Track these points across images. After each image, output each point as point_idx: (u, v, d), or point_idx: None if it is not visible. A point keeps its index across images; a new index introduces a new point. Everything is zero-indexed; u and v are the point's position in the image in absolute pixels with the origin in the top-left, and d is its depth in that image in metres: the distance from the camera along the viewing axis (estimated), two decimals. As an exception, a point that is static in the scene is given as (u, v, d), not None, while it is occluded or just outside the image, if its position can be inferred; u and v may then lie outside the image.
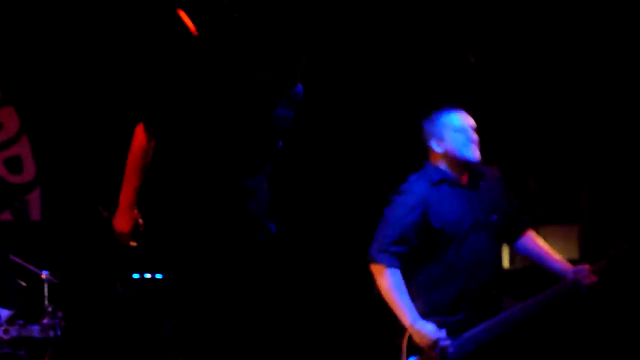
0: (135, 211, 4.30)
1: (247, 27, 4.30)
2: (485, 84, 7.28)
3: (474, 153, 4.90)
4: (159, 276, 6.73)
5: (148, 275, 6.73)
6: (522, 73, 7.49)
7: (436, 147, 4.94)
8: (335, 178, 7.36)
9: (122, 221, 4.30)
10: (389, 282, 4.77)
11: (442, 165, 4.93)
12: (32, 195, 7.24)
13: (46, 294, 5.96)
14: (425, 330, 4.74)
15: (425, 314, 4.80)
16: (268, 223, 4.30)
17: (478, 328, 4.82)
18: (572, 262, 5.08)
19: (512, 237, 5.15)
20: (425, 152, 5.04)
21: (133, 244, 4.33)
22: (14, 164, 7.30)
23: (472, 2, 7.23)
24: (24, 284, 5.97)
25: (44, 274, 6.00)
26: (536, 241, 5.13)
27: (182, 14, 4.64)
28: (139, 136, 4.26)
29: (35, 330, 5.92)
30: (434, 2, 7.27)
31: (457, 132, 4.91)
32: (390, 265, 4.77)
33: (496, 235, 4.99)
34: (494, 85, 7.45)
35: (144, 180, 4.28)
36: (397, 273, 4.78)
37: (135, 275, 6.78)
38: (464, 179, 4.97)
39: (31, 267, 6.02)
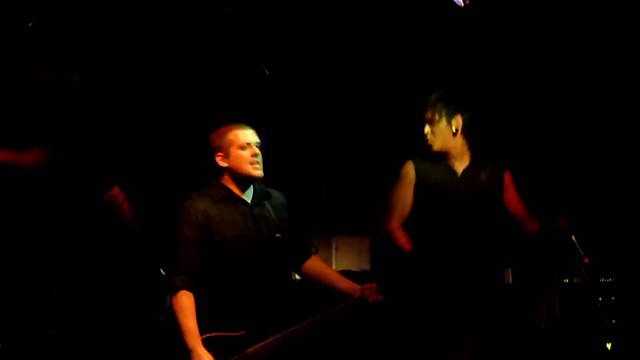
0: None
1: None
2: (276, 95, 7.30)
3: (256, 171, 5.00)
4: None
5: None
6: (309, 86, 7.56)
7: (221, 162, 4.98)
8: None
9: None
10: (179, 305, 4.76)
11: (227, 179, 4.98)
12: None
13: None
14: (202, 358, 4.73)
15: (209, 329, 4.79)
16: None
17: (263, 344, 4.83)
18: (364, 273, 5.19)
19: (298, 262, 5.27)
20: (212, 165, 5.05)
21: None
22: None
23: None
24: None
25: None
26: (322, 265, 5.28)
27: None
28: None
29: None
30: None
31: (242, 149, 4.99)
32: (182, 287, 4.77)
33: (280, 253, 5.06)
34: (286, 98, 7.49)
35: None
36: (189, 295, 4.78)
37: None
38: (247, 195, 5.04)
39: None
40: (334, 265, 8.72)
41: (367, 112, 7.66)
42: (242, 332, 4.83)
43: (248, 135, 5.02)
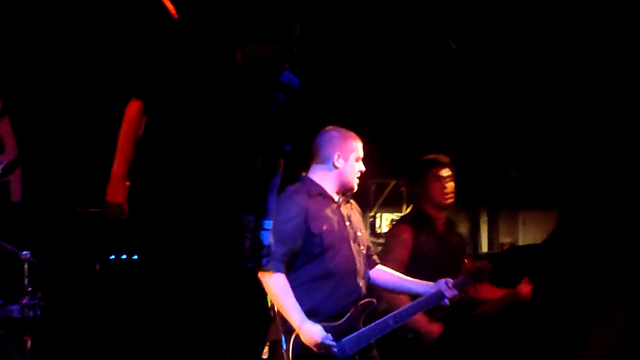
0: (127, 183, 4.35)
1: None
2: (465, 71, 7.33)
3: (356, 185, 5.21)
4: (135, 257, 6.79)
5: (125, 257, 6.77)
6: (501, 62, 7.54)
7: (337, 162, 5.14)
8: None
9: (115, 192, 4.34)
10: (278, 286, 4.93)
11: (325, 177, 5.17)
12: (13, 176, 7.24)
13: (26, 274, 5.99)
14: (312, 331, 4.88)
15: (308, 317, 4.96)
16: (241, 215, 4.41)
17: (357, 333, 5.01)
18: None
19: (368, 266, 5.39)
20: (313, 157, 5.22)
21: (124, 216, 4.37)
22: (-5, 145, 7.31)
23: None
24: None
25: (24, 255, 6.03)
26: (389, 271, 5.39)
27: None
28: (132, 109, 4.34)
29: (15, 310, 5.96)
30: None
31: (357, 162, 5.18)
32: (276, 270, 4.92)
33: (364, 250, 5.25)
34: (474, 73, 7.50)
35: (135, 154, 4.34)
36: (283, 277, 4.94)
37: (112, 257, 6.82)
38: (337, 197, 5.21)
39: (11, 248, 6.04)
40: (520, 239, 8.71)
41: (554, 84, 7.60)
42: (338, 322, 4.99)
43: (362, 151, 5.22)
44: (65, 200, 6.98)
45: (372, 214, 8.36)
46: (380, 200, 8.42)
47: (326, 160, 5.15)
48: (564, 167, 7.55)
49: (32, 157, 7.25)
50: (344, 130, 5.21)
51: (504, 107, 7.91)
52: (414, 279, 5.33)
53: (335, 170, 5.14)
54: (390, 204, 8.47)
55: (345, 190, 5.19)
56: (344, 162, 5.13)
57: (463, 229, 8.73)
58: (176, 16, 4.75)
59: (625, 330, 4.93)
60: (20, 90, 7.26)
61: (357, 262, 5.12)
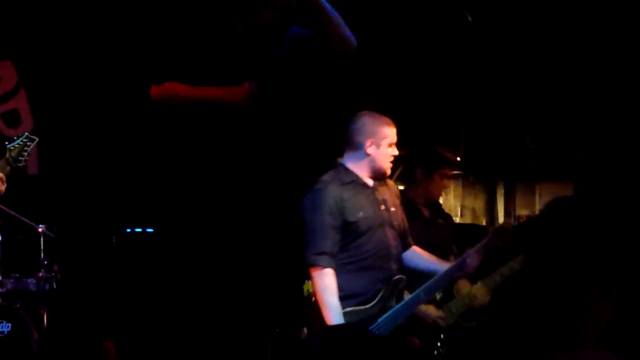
0: None
1: None
2: (482, 42, 7.29)
3: (389, 170, 5.23)
4: (150, 230, 6.81)
5: (139, 230, 6.80)
6: (519, 33, 7.50)
7: (369, 148, 5.13)
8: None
9: None
10: (324, 283, 4.96)
11: (358, 165, 5.16)
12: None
13: (42, 247, 6.02)
14: None
15: (344, 304, 5.00)
16: None
17: (392, 311, 5.08)
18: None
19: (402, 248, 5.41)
20: (347, 143, 5.20)
21: None
22: (12, 118, 7.34)
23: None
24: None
25: (41, 228, 6.06)
26: (420, 252, 5.43)
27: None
28: None
29: (30, 284, 5.99)
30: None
31: (390, 147, 5.16)
32: (327, 265, 4.96)
33: (399, 234, 5.28)
34: (492, 45, 7.46)
35: None
36: (332, 274, 4.97)
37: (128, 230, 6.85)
38: (372, 182, 5.22)
39: (28, 221, 6.07)
40: (537, 211, 8.68)
41: (572, 55, 7.55)
42: (371, 304, 5.06)
43: (395, 136, 5.19)
44: (82, 173, 7.00)
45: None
46: (396, 173, 8.41)
47: (359, 147, 5.14)
48: (582, 140, 7.51)
49: (49, 130, 7.27)
50: (377, 116, 5.20)
51: (521, 79, 7.87)
52: (443, 261, 5.41)
53: (368, 157, 5.14)
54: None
55: (378, 176, 5.20)
56: (376, 148, 5.12)
57: (480, 201, 8.73)
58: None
59: (620, 299, 5.07)
60: (37, 63, 7.27)
61: (392, 246, 5.15)
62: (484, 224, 8.16)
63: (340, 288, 4.97)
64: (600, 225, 2.40)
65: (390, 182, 5.39)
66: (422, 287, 5.16)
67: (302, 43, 4.76)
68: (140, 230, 6.77)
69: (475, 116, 8.06)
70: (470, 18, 7.15)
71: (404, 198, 5.86)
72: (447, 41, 7.63)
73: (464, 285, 5.62)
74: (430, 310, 5.56)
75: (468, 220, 8.37)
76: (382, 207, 5.17)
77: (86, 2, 7.16)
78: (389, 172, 5.22)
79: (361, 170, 5.15)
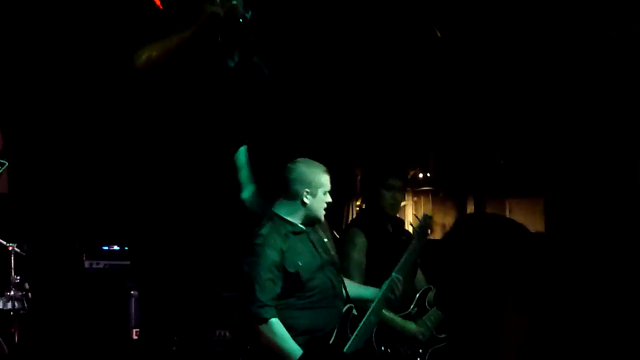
0: None
1: None
2: (451, 59, 7.33)
3: (323, 216, 5.25)
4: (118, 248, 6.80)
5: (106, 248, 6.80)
6: (488, 49, 7.55)
7: (305, 198, 5.18)
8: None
9: None
10: (275, 332, 4.96)
11: (296, 213, 5.20)
12: (-2, 168, 7.23)
13: (13, 265, 5.99)
14: None
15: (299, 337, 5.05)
16: None
17: (351, 340, 5.12)
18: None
19: None
20: (282, 191, 5.23)
21: None
22: (-19, 137, 7.30)
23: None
24: None
25: (11, 246, 6.03)
26: (348, 282, 5.47)
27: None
28: None
29: (1, 302, 5.96)
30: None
31: (325, 194, 5.21)
32: (272, 316, 4.98)
33: (336, 268, 5.33)
34: (461, 61, 7.51)
35: None
36: (278, 322, 4.99)
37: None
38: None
39: (-2, 239, 6.05)
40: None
41: (542, 71, 7.61)
42: (330, 340, 5.10)
43: (329, 184, 5.24)
44: (52, 192, 6.98)
45: (358, 202, 8.38)
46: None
47: (295, 197, 5.18)
48: (550, 156, 7.57)
49: (20, 149, 7.24)
50: (312, 165, 5.23)
51: (490, 95, 7.92)
52: (366, 286, 5.49)
53: (304, 207, 5.18)
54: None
55: (312, 222, 5.24)
56: (312, 198, 5.17)
57: (450, 217, 8.77)
58: (161, 7, 4.73)
59: (534, 313, 5.14)
60: (7, 83, 7.25)
61: (334, 283, 5.20)
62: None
63: (293, 328, 4.99)
64: (507, 241, 2.42)
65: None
66: (369, 311, 5.20)
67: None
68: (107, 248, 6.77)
69: (445, 132, 8.11)
70: (439, 34, 7.20)
71: (367, 217, 5.90)
72: (416, 58, 7.68)
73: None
74: (409, 325, 5.59)
75: (438, 236, 8.40)
76: (319, 249, 5.22)
77: (58, 24, 7.16)
78: (322, 218, 5.25)
79: (296, 218, 5.18)
